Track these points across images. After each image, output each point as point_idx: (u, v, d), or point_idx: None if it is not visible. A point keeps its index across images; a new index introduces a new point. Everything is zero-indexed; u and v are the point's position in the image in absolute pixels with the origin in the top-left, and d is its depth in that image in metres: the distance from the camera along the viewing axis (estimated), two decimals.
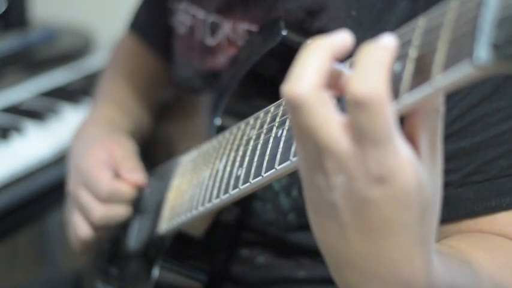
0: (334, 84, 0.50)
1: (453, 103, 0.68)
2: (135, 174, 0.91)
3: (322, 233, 0.52)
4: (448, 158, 0.55)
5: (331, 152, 0.48)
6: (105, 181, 0.89)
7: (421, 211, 0.49)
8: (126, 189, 0.90)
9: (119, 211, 0.90)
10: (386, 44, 0.47)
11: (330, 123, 0.47)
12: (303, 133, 0.49)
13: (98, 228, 0.91)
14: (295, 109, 0.48)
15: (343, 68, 0.50)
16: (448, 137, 0.61)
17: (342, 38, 0.49)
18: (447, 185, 0.61)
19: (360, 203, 0.48)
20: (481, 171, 0.69)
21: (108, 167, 0.91)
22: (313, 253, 0.84)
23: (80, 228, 0.92)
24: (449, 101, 0.67)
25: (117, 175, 0.91)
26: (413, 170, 0.48)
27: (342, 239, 0.51)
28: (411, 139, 0.49)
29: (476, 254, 0.62)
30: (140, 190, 0.92)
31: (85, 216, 0.92)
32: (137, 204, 0.94)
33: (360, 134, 0.47)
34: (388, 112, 0.46)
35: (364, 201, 0.48)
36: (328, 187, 0.49)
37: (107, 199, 0.89)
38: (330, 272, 0.55)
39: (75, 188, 0.93)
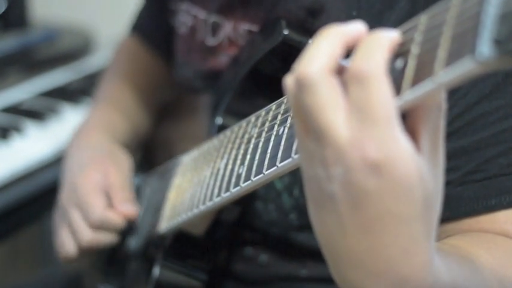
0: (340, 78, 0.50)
1: (453, 102, 0.68)
2: (127, 206, 0.92)
3: (322, 228, 0.52)
4: (448, 157, 0.55)
5: (331, 139, 0.48)
6: (98, 208, 0.91)
7: (421, 206, 0.49)
8: (117, 220, 0.91)
9: (107, 239, 0.92)
10: (389, 32, 0.48)
11: (335, 106, 0.48)
12: (305, 115, 0.49)
13: (83, 250, 0.93)
14: (303, 88, 0.49)
15: (347, 63, 0.50)
16: (448, 136, 0.61)
17: (356, 27, 0.50)
18: (447, 183, 0.61)
19: (357, 194, 0.48)
20: (481, 170, 0.69)
21: (102, 192, 0.92)
22: (315, 252, 0.84)
23: (67, 246, 0.94)
24: (449, 100, 0.67)
25: (109, 203, 0.92)
26: (413, 162, 0.47)
27: (340, 234, 0.50)
28: (412, 135, 0.49)
29: (477, 253, 0.62)
30: (130, 221, 0.93)
31: (73, 236, 0.93)
32: (129, 225, 0.95)
33: (357, 112, 0.47)
34: (384, 89, 0.46)
35: (361, 192, 0.48)
36: (327, 178, 0.49)
37: (97, 226, 0.91)
38: (331, 271, 0.54)
39: (67, 204, 0.94)
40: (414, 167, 0.48)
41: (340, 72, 0.50)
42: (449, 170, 0.66)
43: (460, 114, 0.69)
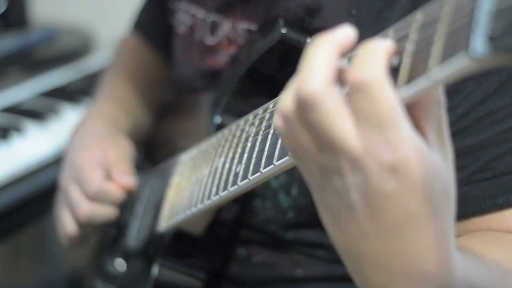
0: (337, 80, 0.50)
1: (457, 101, 0.68)
2: (126, 177, 0.92)
3: (341, 236, 0.52)
4: (454, 156, 0.55)
5: (345, 150, 0.48)
6: (95, 180, 0.90)
7: (436, 200, 0.49)
8: (114, 191, 0.90)
9: (105, 211, 0.91)
10: (385, 41, 0.48)
11: (342, 117, 0.47)
12: (316, 133, 0.49)
13: (83, 225, 0.92)
14: (308, 107, 0.48)
15: (344, 64, 0.50)
16: (454, 135, 0.61)
17: (346, 33, 0.50)
18: None
19: (377, 198, 0.48)
20: (488, 169, 0.69)
21: (100, 167, 0.92)
22: (310, 251, 0.84)
23: (66, 223, 0.93)
24: (454, 99, 0.67)
25: (108, 176, 0.91)
26: (427, 157, 0.48)
27: (362, 240, 0.50)
28: (418, 131, 0.49)
29: (488, 251, 0.62)
30: (130, 194, 0.92)
31: (72, 211, 0.92)
32: (130, 205, 0.94)
33: (366, 121, 0.47)
34: (389, 93, 0.46)
35: (381, 196, 0.48)
36: (345, 188, 0.49)
37: (95, 198, 0.90)
38: (350, 274, 0.54)
39: (66, 182, 0.94)
40: (429, 162, 0.48)
41: (337, 77, 0.49)
42: (456, 169, 0.66)
43: (466, 113, 0.69)
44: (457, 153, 0.67)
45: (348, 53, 0.50)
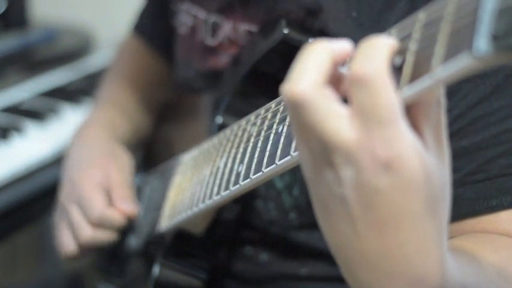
0: (338, 87, 0.50)
1: (453, 103, 0.68)
2: (128, 204, 0.92)
3: (333, 233, 0.51)
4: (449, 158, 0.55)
5: (337, 145, 0.47)
6: (98, 205, 0.91)
7: (430, 201, 0.48)
8: (117, 218, 0.91)
9: (106, 236, 0.91)
10: (387, 38, 0.48)
11: (334, 115, 0.47)
12: (306, 131, 0.48)
13: (83, 248, 0.93)
14: (296, 107, 0.48)
15: (345, 71, 0.50)
16: (449, 137, 0.61)
17: (342, 44, 0.50)
18: None
19: (369, 193, 0.48)
20: (482, 171, 0.69)
21: (102, 189, 0.92)
22: (315, 251, 0.84)
23: (66, 243, 0.94)
24: (450, 101, 0.67)
25: (109, 199, 0.92)
26: (422, 157, 0.47)
27: (353, 237, 0.50)
28: (416, 132, 0.49)
29: (482, 253, 0.61)
30: (130, 219, 0.93)
31: (73, 233, 0.93)
32: (129, 224, 0.94)
33: (364, 115, 0.46)
34: (389, 90, 0.46)
35: (373, 191, 0.48)
36: (337, 182, 0.49)
37: (97, 224, 0.91)
38: (343, 274, 0.53)
39: (67, 201, 0.94)
40: (424, 162, 0.47)
41: (337, 81, 0.49)
42: (450, 171, 0.66)
43: (461, 115, 0.69)
44: (452, 154, 0.67)
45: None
